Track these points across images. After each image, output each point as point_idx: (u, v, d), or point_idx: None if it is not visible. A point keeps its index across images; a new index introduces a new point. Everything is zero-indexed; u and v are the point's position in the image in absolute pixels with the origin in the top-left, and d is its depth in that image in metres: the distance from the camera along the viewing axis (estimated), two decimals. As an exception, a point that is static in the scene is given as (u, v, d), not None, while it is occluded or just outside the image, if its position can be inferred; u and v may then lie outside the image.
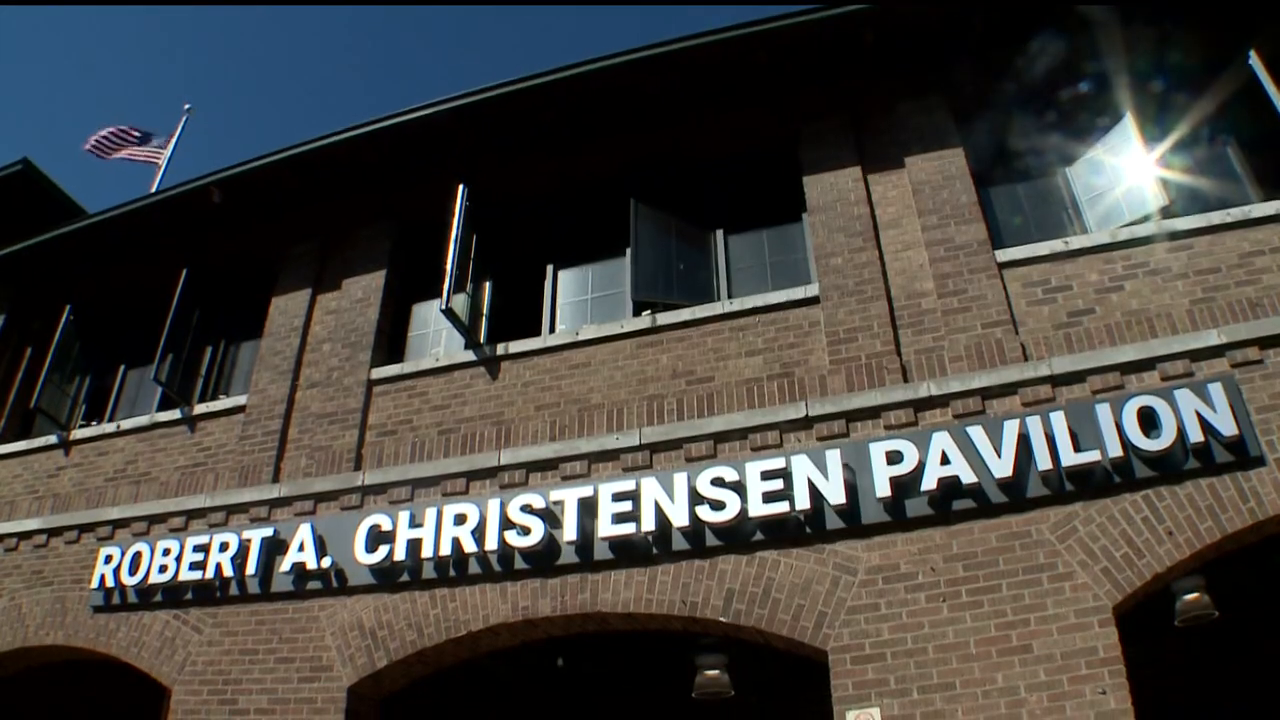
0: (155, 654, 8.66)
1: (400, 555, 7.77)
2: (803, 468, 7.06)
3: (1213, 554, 6.58)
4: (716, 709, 8.84)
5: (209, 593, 8.49)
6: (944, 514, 6.82)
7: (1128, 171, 8.06)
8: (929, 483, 6.81)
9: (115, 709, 10.77)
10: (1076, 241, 7.69)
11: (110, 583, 8.92)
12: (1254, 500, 6.39)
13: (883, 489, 6.88)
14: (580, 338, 8.48)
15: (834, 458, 7.04)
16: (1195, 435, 6.50)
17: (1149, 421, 6.61)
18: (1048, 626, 6.41)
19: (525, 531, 7.45)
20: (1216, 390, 6.62)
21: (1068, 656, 6.30)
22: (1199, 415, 6.55)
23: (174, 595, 8.66)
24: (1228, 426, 6.47)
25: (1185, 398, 6.64)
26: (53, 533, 9.78)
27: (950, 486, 6.79)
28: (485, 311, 9.06)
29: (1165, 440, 6.53)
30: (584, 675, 10.35)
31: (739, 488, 7.10)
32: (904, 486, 6.86)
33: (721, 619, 7.00)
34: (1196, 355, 6.90)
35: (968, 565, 6.70)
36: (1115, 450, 6.59)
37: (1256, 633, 10.57)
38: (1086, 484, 6.65)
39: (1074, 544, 6.56)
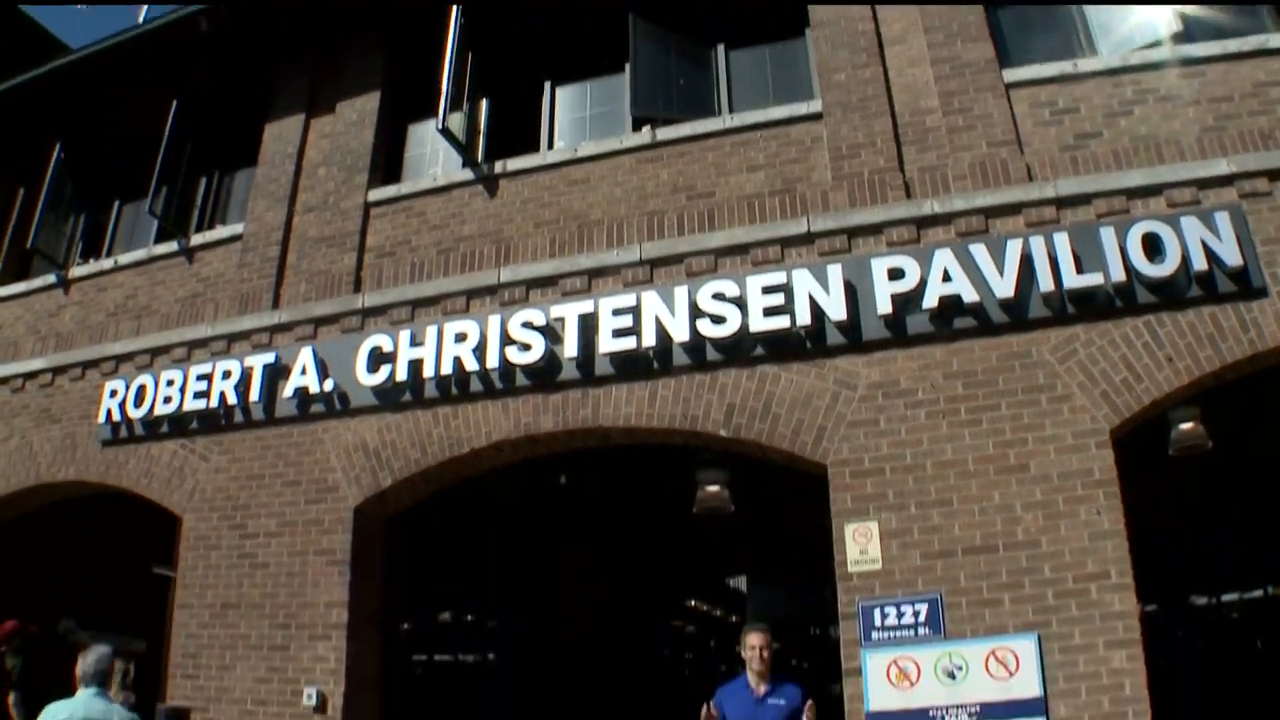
0: (165, 484, 8.81)
1: (402, 375, 7.79)
2: (804, 283, 7.01)
3: (1211, 382, 6.60)
4: (717, 525, 9.04)
5: (214, 421, 8.57)
6: (945, 332, 6.81)
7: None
8: (930, 300, 6.77)
9: (130, 541, 11.01)
10: (1086, 64, 7.46)
11: (117, 417, 9.00)
12: (1254, 331, 6.38)
13: (884, 305, 6.85)
14: (579, 154, 8.32)
15: (835, 273, 6.98)
16: (1199, 263, 6.44)
17: (1153, 247, 6.53)
18: (1045, 447, 6.48)
19: (526, 348, 7.45)
20: (1223, 219, 6.53)
21: (1064, 477, 6.39)
22: (1204, 244, 6.47)
23: (180, 425, 8.74)
24: (1232, 256, 6.41)
25: (1191, 225, 6.55)
26: (57, 371, 9.84)
27: (951, 304, 6.75)
28: (483, 130, 8.87)
29: (1169, 267, 6.47)
30: (586, 492, 10.52)
31: (740, 302, 7.06)
32: (905, 303, 6.83)
33: (722, 433, 7.07)
34: (1204, 183, 6.78)
35: (967, 383, 6.73)
36: (1118, 274, 6.53)
37: (1249, 465, 10.73)
38: (1088, 307, 6.62)
39: (1074, 366, 6.57)
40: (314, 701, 7.57)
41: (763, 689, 6.16)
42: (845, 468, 6.77)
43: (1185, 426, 8.47)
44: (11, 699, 8.54)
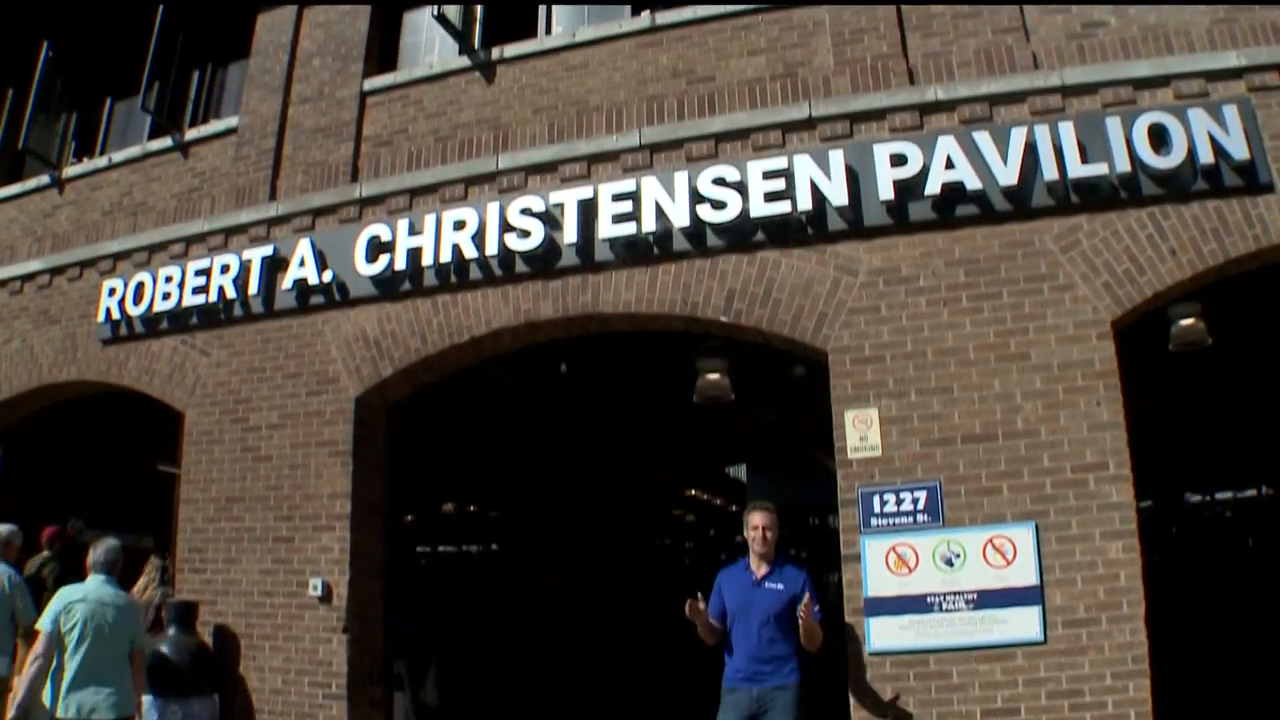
0: (166, 380, 8.83)
1: (401, 264, 7.76)
2: (805, 168, 6.94)
3: (1214, 277, 6.56)
4: (717, 413, 9.06)
5: (214, 316, 8.57)
6: (947, 219, 6.76)
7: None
8: (932, 187, 6.70)
9: (136, 441, 11.08)
10: (1097, -50, 7.28)
11: (116, 315, 9.00)
12: (1259, 227, 6.32)
13: (886, 191, 6.78)
14: (578, 39, 8.15)
15: (837, 158, 6.90)
16: (1206, 156, 6.35)
17: (1159, 139, 6.44)
18: (1046, 336, 6.47)
19: (525, 234, 7.41)
20: (1231, 113, 6.42)
21: (1064, 367, 6.40)
22: (1211, 136, 6.37)
23: (180, 321, 8.74)
24: (1239, 150, 6.32)
25: (1198, 117, 6.45)
26: (55, 272, 9.80)
27: (954, 191, 6.69)
28: (479, 16, 8.67)
29: (1175, 159, 6.39)
30: (586, 380, 10.54)
31: (740, 188, 7.00)
32: (907, 189, 6.76)
33: (722, 319, 7.06)
34: (1213, 76, 6.65)
35: (969, 271, 6.69)
36: (1123, 165, 6.45)
37: (1248, 364, 10.76)
38: (1092, 197, 6.55)
39: (1076, 256, 6.53)
40: (319, 591, 7.68)
41: (762, 571, 6.03)
42: (845, 354, 6.77)
43: (1186, 322, 8.49)
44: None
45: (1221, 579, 14.20)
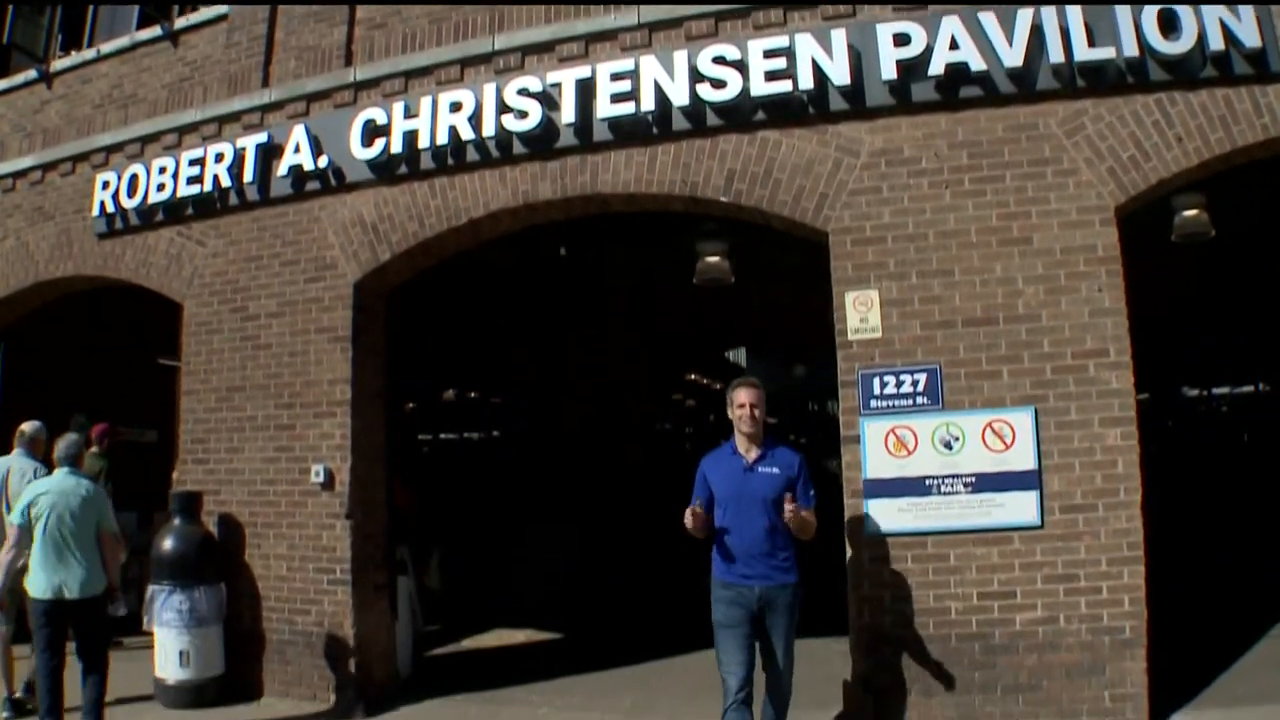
0: (164, 272, 8.81)
1: (397, 148, 7.66)
2: (807, 47, 6.79)
3: (1220, 166, 6.46)
4: (717, 296, 9.02)
5: (209, 205, 8.50)
6: (950, 101, 6.65)
7: None
8: (936, 67, 6.57)
9: (137, 335, 11.08)
10: None
11: (111, 208, 8.96)
12: (1269, 116, 6.20)
13: (888, 71, 6.65)
14: (578, -88, 7.93)
15: (839, 37, 6.75)
16: (1216, 43, 6.19)
17: (1169, 24, 6.27)
18: (1049, 221, 6.42)
19: (523, 115, 7.29)
20: None
21: (1067, 252, 6.36)
22: (1222, 23, 6.20)
23: (175, 212, 8.69)
24: (1251, 38, 6.15)
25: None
26: (47, 167, 9.73)
27: (958, 72, 6.56)
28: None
29: (1184, 44, 6.23)
30: (586, 265, 10.50)
31: (741, 66, 6.86)
32: (910, 70, 6.63)
33: (722, 199, 7.00)
34: None
35: (972, 153, 6.62)
36: (1131, 49, 6.30)
37: (1250, 258, 10.73)
38: (1098, 81, 6.42)
39: (1081, 141, 6.44)
40: (321, 478, 7.75)
41: (753, 454, 5.46)
42: (846, 235, 6.73)
43: (1189, 213, 8.45)
44: None
45: (1215, 472, 14.35)
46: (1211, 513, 13.46)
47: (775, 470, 5.41)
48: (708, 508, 5.43)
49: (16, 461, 7.46)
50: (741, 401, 5.47)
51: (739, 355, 20.08)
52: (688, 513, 5.30)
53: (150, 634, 7.77)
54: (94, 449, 9.17)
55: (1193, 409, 16.44)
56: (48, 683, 6.17)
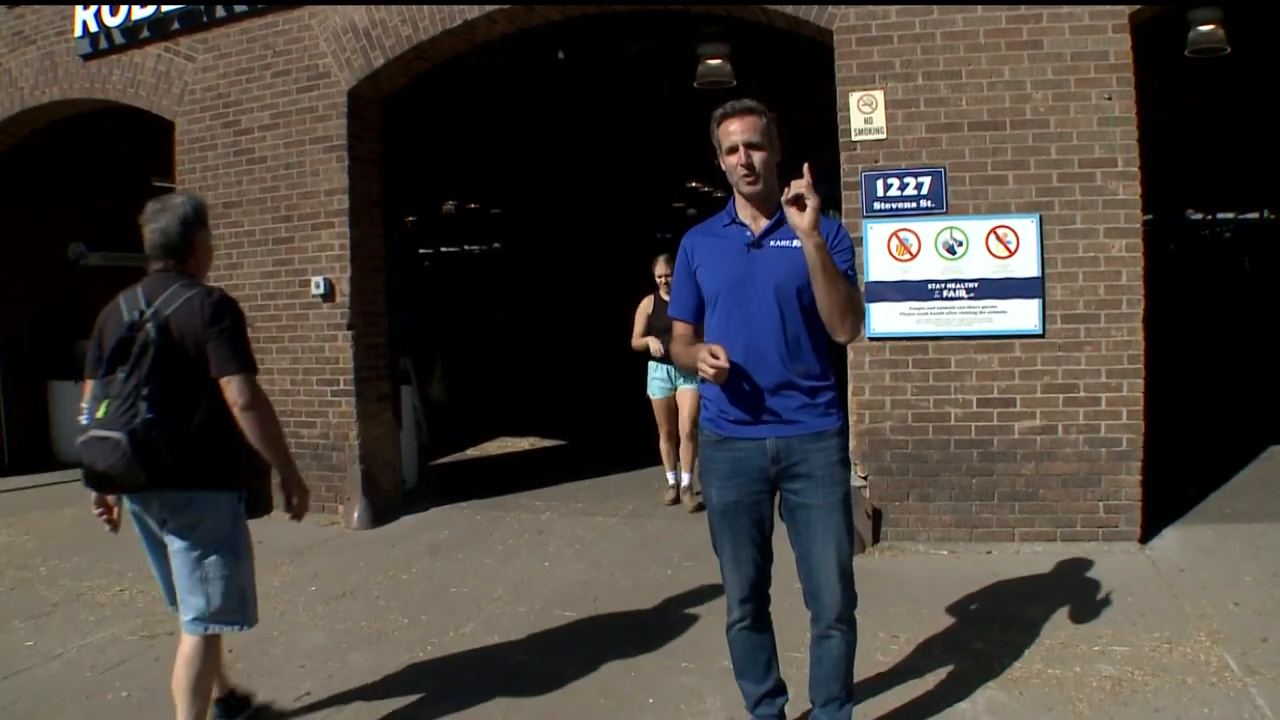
0: (153, 90, 8.59)
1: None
2: None
3: None
4: (719, 100, 8.83)
5: (195, 19, 8.23)
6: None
7: None
8: None
9: (131, 159, 10.89)
10: None
11: (94, 28, 8.68)
12: None
13: None
14: None
15: None
16: None
17: None
18: (1060, 25, 6.18)
19: (521, -96, 6.97)
20: None
21: (1078, 57, 6.14)
22: None
23: (160, 28, 8.41)
24: None
25: None
26: (26, -10, 9.37)
27: None
28: None
29: None
30: (584, 69, 10.24)
31: None
32: None
33: (725, -7, 6.77)
34: None
35: (983, -50, 6.34)
36: None
37: (1264, 79, 10.49)
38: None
39: (1097, -62, 6.16)
40: (322, 290, 7.73)
41: (761, 223, 3.27)
42: (851, 34, 6.51)
43: (1205, 27, 8.22)
44: None
45: (1213, 298, 14.36)
46: (1210, 336, 13.50)
47: (797, 244, 3.08)
48: (696, 316, 3.40)
49: None
50: (734, 143, 3.19)
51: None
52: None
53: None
54: None
55: (1196, 233, 16.31)
56: None
